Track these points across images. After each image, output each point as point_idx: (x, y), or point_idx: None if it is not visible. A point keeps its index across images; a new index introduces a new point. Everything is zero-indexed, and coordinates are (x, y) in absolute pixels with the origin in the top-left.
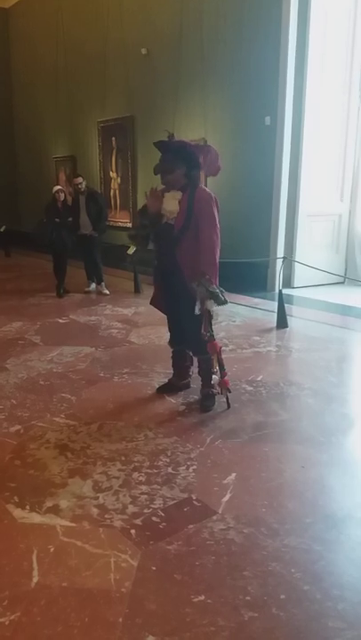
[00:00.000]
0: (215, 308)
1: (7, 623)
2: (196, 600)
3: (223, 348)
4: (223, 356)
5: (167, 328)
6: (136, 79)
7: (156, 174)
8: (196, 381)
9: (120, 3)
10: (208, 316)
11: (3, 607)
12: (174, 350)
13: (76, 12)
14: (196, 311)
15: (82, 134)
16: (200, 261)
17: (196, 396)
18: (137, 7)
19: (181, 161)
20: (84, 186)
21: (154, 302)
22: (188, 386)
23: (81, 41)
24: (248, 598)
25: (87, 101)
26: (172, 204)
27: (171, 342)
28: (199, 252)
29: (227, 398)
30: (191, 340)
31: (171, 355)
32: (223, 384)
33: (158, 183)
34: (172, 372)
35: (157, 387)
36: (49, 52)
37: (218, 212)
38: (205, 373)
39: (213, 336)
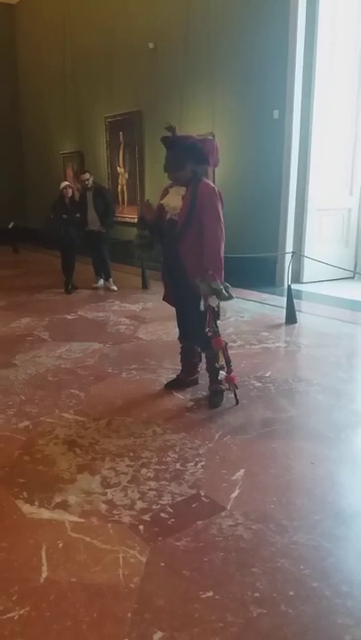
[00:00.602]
0: (222, 304)
1: (17, 618)
2: (204, 596)
3: (231, 344)
4: (231, 351)
5: (176, 323)
6: (143, 74)
7: (166, 172)
8: (204, 377)
9: None
10: (212, 313)
11: (12, 602)
12: (183, 346)
13: (82, 7)
14: (201, 307)
15: (89, 130)
16: (205, 258)
17: (204, 392)
18: (144, 1)
19: (190, 158)
20: (91, 182)
21: (166, 298)
22: (196, 382)
23: (88, 36)
24: (257, 595)
25: (94, 96)
26: (175, 199)
27: (180, 338)
28: (203, 248)
29: (235, 394)
30: (197, 335)
31: (179, 350)
32: (230, 380)
33: (166, 178)
34: (180, 367)
35: (165, 382)
36: (56, 47)
37: (222, 206)
38: (213, 369)
39: (218, 332)
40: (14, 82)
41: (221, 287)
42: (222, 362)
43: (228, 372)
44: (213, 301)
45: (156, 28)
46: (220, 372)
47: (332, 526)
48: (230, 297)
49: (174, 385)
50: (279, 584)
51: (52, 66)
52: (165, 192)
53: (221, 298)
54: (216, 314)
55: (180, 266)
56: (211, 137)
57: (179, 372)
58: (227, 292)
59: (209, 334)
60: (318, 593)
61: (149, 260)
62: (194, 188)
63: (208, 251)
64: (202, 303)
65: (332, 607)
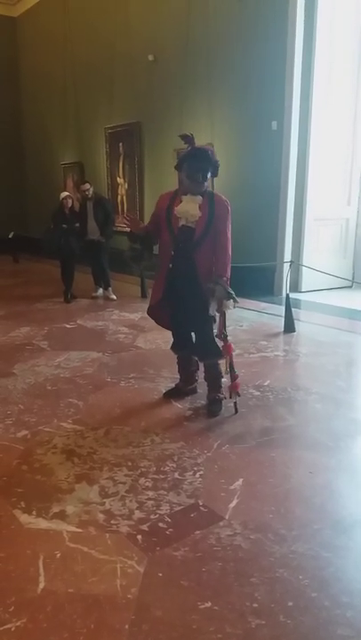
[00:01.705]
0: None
1: (13, 629)
2: (202, 607)
3: None
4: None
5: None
6: (143, 85)
7: (200, 181)
8: (202, 386)
9: (127, 9)
10: (224, 318)
11: (9, 613)
12: (179, 356)
13: (83, 20)
14: (211, 312)
15: (89, 140)
16: (218, 264)
17: (202, 402)
18: (144, 14)
19: (210, 169)
20: (91, 192)
21: (152, 312)
22: (194, 391)
23: (88, 48)
24: (255, 605)
25: (94, 108)
26: (192, 207)
27: (174, 347)
28: (216, 255)
29: (235, 403)
30: (199, 345)
31: (177, 360)
32: (233, 387)
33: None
34: (178, 376)
35: (164, 391)
36: (56, 59)
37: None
38: (212, 378)
39: (227, 337)
40: (16, 93)
41: (233, 294)
42: (227, 369)
43: (233, 378)
44: (229, 305)
45: (155, 41)
46: (223, 379)
47: (331, 536)
48: (237, 303)
49: (173, 394)
50: (278, 594)
51: (53, 77)
52: (164, 201)
53: (234, 304)
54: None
55: (192, 273)
56: (209, 147)
57: (177, 381)
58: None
59: (220, 339)
60: (318, 603)
61: (146, 270)
62: (211, 199)
63: (224, 258)
64: (211, 308)
65: (331, 618)
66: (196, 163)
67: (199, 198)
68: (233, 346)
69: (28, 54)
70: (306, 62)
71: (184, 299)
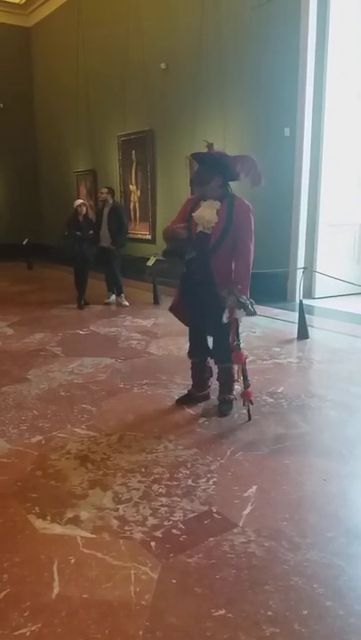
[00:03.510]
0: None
1: (28, 634)
2: (216, 614)
3: None
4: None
5: (187, 339)
6: (155, 93)
7: (192, 185)
8: (215, 393)
9: (139, 18)
10: (236, 326)
11: (24, 618)
12: (193, 362)
13: (96, 29)
14: (224, 319)
15: (102, 148)
16: (235, 271)
17: (215, 408)
18: (156, 22)
19: (218, 172)
20: (106, 197)
21: (174, 309)
22: (207, 397)
23: (101, 56)
24: (270, 613)
25: (107, 116)
26: (209, 213)
27: (190, 353)
28: (233, 262)
29: (248, 410)
30: (217, 349)
31: (190, 366)
32: (246, 395)
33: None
34: (191, 383)
35: (177, 398)
36: (70, 68)
37: (253, 222)
38: (225, 380)
39: (240, 346)
40: (30, 101)
41: (248, 302)
42: (240, 377)
43: (246, 386)
44: (240, 315)
45: (167, 49)
46: (236, 386)
47: (344, 544)
48: (255, 313)
49: (186, 400)
50: (292, 603)
51: (66, 86)
52: (188, 204)
53: (248, 312)
54: (237, 330)
55: (209, 279)
56: (247, 154)
57: (190, 387)
58: (252, 307)
59: (233, 346)
60: (332, 612)
61: (160, 276)
62: (230, 204)
63: (240, 266)
64: (225, 315)
65: (345, 627)
66: (199, 166)
67: (217, 203)
68: (246, 353)
69: (42, 64)
70: (318, 68)
71: (201, 304)
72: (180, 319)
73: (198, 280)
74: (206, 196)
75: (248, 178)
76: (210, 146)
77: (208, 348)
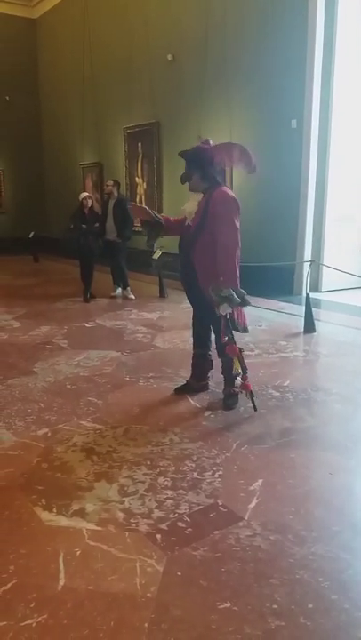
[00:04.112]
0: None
1: (34, 625)
2: (221, 607)
3: (249, 353)
4: (249, 360)
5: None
6: (161, 85)
7: (182, 183)
8: (219, 386)
9: (145, 10)
10: (225, 321)
11: (30, 609)
12: (195, 353)
13: (101, 21)
14: (217, 313)
15: (108, 141)
16: (218, 265)
17: (220, 401)
18: (162, 14)
19: (197, 167)
20: (112, 189)
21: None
22: (206, 387)
23: (107, 49)
24: (275, 606)
25: (113, 108)
26: (191, 204)
27: (193, 345)
28: (215, 254)
29: (252, 401)
30: (218, 341)
31: (192, 356)
32: (245, 387)
33: (183, 186)
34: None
35: (175, 387)
36: (75, 61)
37: (238, 213)
38: (228, 373)
39: (233, 339)
40: (35, 94)
41: (232, 293)
42: (239, 369)
43: (243, 379)
44: (226, 309)
45: (174, 40)
46: (237, 378)
47: (350, 538)
48: (244, 303)
49: (184, 390)
50: (298, 596)
51: (72, 78)
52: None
53: (232, 303)
54: (231, 321)
55: (191, 271)
56: (232, 142)
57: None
58: (241, 297)
59: (223, 341)
60: (338, 606)
61: (166, 269)
62: (209, 195)
63: (220, 257)
64: (217, 311)
65: (351, 620)
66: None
67: (199, 195)
68: (237, 347)
69: (48, 56)
70: (326, 60)
71: (195, 298)
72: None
73: (184, 272)
74: (192, 190)
75: (239, 166)
76: (203, 140)
77: (210, 340)
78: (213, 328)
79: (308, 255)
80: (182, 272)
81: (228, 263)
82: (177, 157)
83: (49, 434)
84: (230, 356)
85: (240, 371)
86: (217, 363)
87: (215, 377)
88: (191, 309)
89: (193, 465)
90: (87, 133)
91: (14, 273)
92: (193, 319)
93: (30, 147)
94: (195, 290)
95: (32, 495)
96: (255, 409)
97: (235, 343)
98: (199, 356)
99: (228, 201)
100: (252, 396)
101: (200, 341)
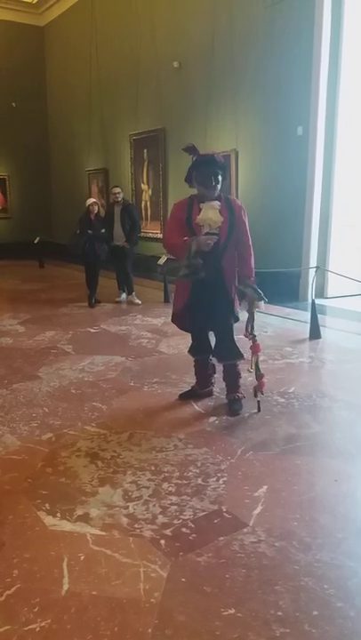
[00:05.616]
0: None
1: (38, 630)
2: (225, 613)
3: None
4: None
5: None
6: (168, 92)
7: (207, 186)
8: (223, 391)
9: (152, 17)
10: (253, 318)
11: (34, 614)
12: (196, 359)
13: (108, 29)
14: (236, 312)
15: (114, 147)
16: (244, 264)
17: (225, 407)
18: (169, 22)
19: (225, 175)
20: (121, 197)
21: (176, 320)
22: (210, 393)
23: (113, 56)
24: (280, 613)
25: (119, 115)
26: (212, 213)
27: (192, 351)
28: (238, 257)
29: (258, 402)
30: (220, 347)
31: (194, 363)
32: (260, 386)
33: (188, 192)
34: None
35: (180, 393)
36: (82, 66)
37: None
38: (231, 379)
39: (255, 337)
40: (43, 100)
41: (260, 292)
42: (252, 368)
43: (259, 377)
44: (260, 306)
45: (180, 47)
46: (240, 379)
47: (355, 545)
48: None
49: (188, 395)
50: (303, 603)
51: (79, 84)
52: (181, 210)
53: (264, 301)
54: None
55: (219, 280)
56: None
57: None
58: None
59: (249, 338)
60: (343, 613)
61: (172, 275)
62: (228, 203)
63: (249, 260)
64: (240, 309)
65: (356, 628)
66: (206, 168)
67: (217, 203)
68: (261, 345)
69: (55, 63)
70: (332, 67)
71: (210, 304)
72: (180, 328)
73: (208, 281)
74: (205, 198)
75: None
76: (193, 149)
77: (210, 346)
78: (222, 334)
79: (313, 261)
80: (205, 282)
81: (252, 265)
82: (183, 164)
83: (53, 438)
84: (253, 353)
85: (253, 369)
86: (218, 368)
87: (219, 382)
88: None
89: (197, 471)
90: (93, 139)
91: (20, 278)
92: (194, 326)
93: (37, 153)
94: (219, 297)
95: (36, 500)
96: (259, 410)
97: (256, 342)
98: (200, 362)
99: (242, 205)
100: (261, 394)
101: (201, 348)
